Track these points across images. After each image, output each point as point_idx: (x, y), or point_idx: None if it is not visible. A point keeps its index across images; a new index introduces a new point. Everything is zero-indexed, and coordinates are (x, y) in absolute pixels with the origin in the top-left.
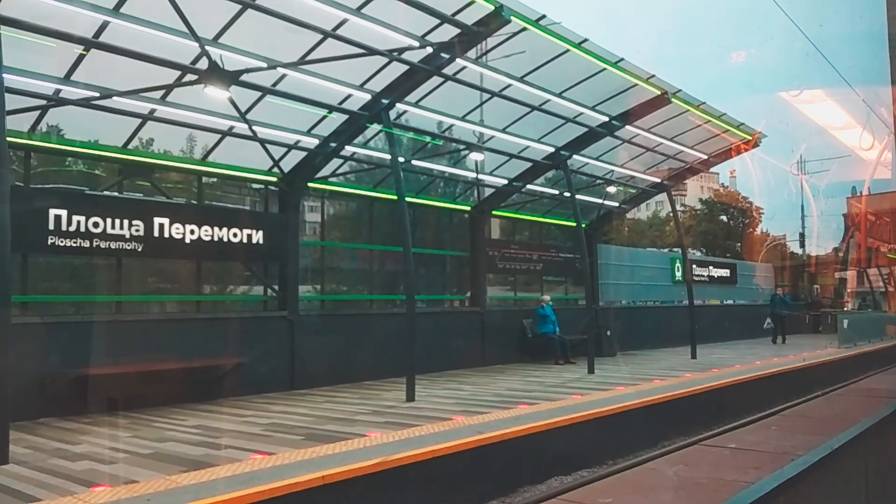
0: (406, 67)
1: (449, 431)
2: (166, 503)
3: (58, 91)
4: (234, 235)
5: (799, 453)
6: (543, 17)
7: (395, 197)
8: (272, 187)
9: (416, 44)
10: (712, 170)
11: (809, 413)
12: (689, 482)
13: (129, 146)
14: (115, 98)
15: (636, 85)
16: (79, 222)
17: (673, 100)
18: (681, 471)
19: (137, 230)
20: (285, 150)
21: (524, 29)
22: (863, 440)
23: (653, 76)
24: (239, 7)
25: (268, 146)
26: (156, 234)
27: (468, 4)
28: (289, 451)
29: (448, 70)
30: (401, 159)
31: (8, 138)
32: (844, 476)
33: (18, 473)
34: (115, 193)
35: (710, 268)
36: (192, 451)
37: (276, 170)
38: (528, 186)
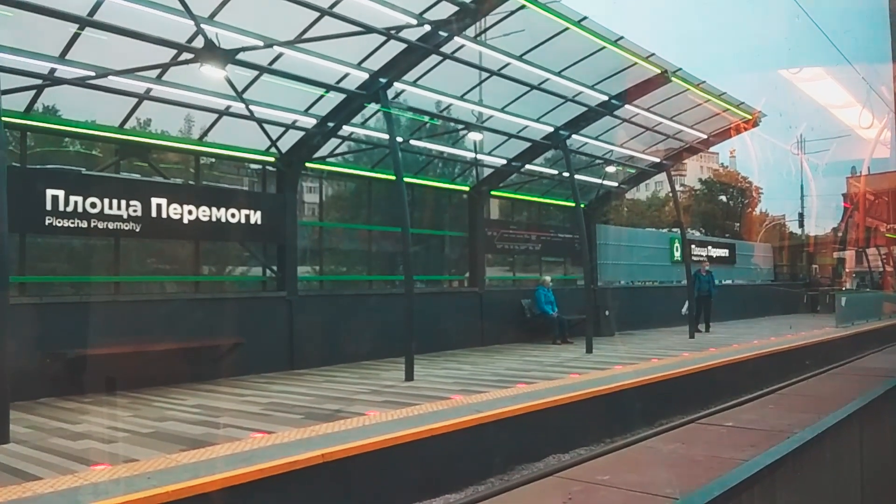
0: (404, 46)
1: (447, 410)
2: (166, 481)
3: (53, 70)
4: (233, 216)
5: (795, 431)
6: None
7: (393, 177)
8: (270, 167)
9: (414, 21)
10: (712, 149)
11: (806, 391)
12: (686, 459)
13: (126, 126)
14: (110, 77)
15: (636, 63)
16: (76, 203)
17: (673, 79)
18: (678, 449)
19: (135, 211)
20: (283, 129)
21: (523, 6)
22: (858, 417)
23: (652, 55)
24: None
25: (265, 126)
26: (153, 214)
27: None
28: (288, 430)
29: (446, 48)
30: (399, 139)
31: (4, 118)
32: (839, 452)
33: (19, 452)
34: (113, 174)
35: (709, 248)
36: (191, 430)
37: (273, 150)
38: (527, 166)
